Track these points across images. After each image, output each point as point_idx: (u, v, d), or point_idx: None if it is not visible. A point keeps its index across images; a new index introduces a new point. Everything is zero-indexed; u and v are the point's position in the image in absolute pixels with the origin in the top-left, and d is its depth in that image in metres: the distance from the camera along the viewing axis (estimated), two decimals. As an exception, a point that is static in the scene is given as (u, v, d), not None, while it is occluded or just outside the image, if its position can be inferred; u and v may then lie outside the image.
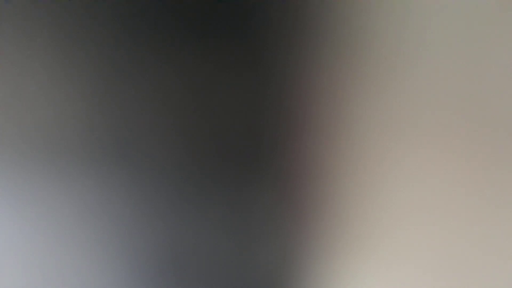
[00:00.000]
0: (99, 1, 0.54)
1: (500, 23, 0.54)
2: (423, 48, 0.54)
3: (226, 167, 0.55)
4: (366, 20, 0.55)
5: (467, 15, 0.54)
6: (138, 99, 0.55)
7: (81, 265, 0.54)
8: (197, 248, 0.55)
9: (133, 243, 0.55)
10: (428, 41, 0.54)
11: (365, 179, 0.55)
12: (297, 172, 0.55)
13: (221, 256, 0.55)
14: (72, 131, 0.54)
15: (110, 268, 0.54)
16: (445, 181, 0.54)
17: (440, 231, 0.54)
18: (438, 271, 0.55)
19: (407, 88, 0.55)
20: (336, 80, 0.55)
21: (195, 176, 0.55)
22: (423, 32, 0.54)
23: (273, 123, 0.55)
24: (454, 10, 0.54)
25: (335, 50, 0.55)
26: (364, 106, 0.55)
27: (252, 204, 0.55)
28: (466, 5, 0.54)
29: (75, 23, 0.54)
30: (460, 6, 0.54)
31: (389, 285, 0.55)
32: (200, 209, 0.55)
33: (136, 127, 0.54)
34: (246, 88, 0.55)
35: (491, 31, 0.54)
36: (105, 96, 0.54)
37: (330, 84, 0.55)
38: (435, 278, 0.55)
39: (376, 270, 0.55)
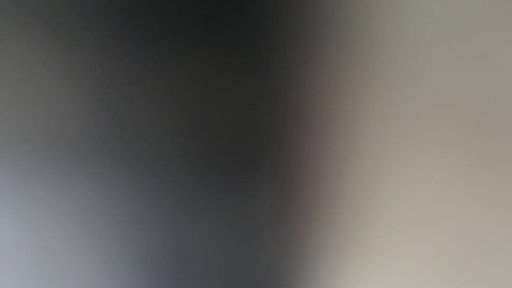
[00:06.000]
0: (99, 4, 0.54)
1: (500, 22, 0.54)
2: (423, 48, 0.55)
3: (228, 167, 0.55)
4: (366, 20, 0.55)
5: (466, 14, 0.54)
6: (140, 99, 0.55)
7: (83, 265, 0.54)
8: (198, 247, 0.55)
9: (134, 242, 0.55)
10: (428, 41, 0.54)
11: (366, 178, 0.55)
12: (298, 172, 0.55)
13: (222, 255, 0.55)
14: (74, 130, 0.54)
15: (111, 267, 0.54)
16: (445, 181, 0.54)
17: (441, 230, 0.55)
18: (438, 270, 0.55)
19: (407, 88, 0.55)
20: (337, 80, 0.55)
21: (197, 176, 0.55)
22: (423, 32, 0.55)
23: (274, 122, 0.55)
24: (454, 10, 0.54)
25: (336, 50, 0.55)
26: (365, 106, 0.55)
27: (253, 204, 0.55)
28: (466, 5, 0.54)
29: (77, 22, 0.54)
30: (459, 6, 0.54)
31: (390, 284, 0.55)
32: (201, 209, 0.55)
33: (139, 127, 0.54)
34: (246, 88, 0.55)
35: (490, 30, 0.54)
36: (107, 95, 0.54)
37: (331, 84, 0.55)
38: (436, 277, 0.55)
39: (376, 269, 0.55)
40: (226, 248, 0.55)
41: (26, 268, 0.54)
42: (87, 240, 0.54)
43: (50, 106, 0.54)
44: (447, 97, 0.54)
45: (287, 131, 0.55)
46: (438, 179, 0.54)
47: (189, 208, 0.55)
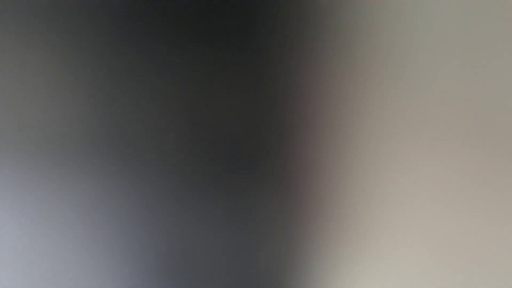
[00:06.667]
0: (99, 2, 0.54)
1: (500, 22, 0.54)
2: (424, 48, 0.55)
3: (227, 167, 0.55)
4: (366, 21, 0.55)
5: (467, 15, 0.54)
6: (139, 100, 0.55)
7: (81, 265, 0.54)
8: (198, 248, 0.55)
9: (134, 243, 0.55)
10: (429, 42, 0.55)
11: (367, 179, 0.55)
12: (298, 172, 0.55)
13: (222, 256, 0.55)
14: (73, 130, 0.54)
15: (110, 268, 0.54)
16: (445, 180, 0.54)
17: (441, 231, 0.55)
18: (438, 270, 0.55)
19: (408, 88, 0.55)
20: (337, 81, 0.55)
21: (197, 177, 0.55)
22: (424, 33, 0.55)
23: (274, 123, 0.55)
24: (454, 10, 0.54)
25: (336, 50, 0.55)
26: (366, 106, 0.55)
27: (253, 205, 0.55)
28: (466, 5, 0.54)
29: (76, 23, 0.54)
30: (460, 6, 0.54)
31: (390, 283, 0.55)
32: (201, 210, 0.55)
33: (138, 128, 0.54)
34: (247, 88, 0.55)
35: (491, 31, 0.54)
36: (106, 96, 0.54)
37: (331, 84, 0.55)
38: (436, 278, 0.55)
39: (377, 270, 0.55)
40: (227, 247, 0.55)
41: (28, 267, 0.54)
42: (84, 240, 0.54)
43: (49, 107, 0.54)
44: (447, 98, 0.55)
45: (289, 130, 0.55)
46: (438, 178, 0.55)
47: (187, 210, 0.55)
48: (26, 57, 0.54)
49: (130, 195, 0.54)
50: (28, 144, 0.54)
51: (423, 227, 0.55)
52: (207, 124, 0.55)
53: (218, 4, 0.54)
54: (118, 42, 0.54)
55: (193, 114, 0.55)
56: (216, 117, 0.55)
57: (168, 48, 0.54)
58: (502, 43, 0.54)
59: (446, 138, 0.54)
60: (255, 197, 0.55)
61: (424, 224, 0.55)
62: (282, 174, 0.55)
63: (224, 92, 0.55)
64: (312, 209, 0.55)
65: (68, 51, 0.54)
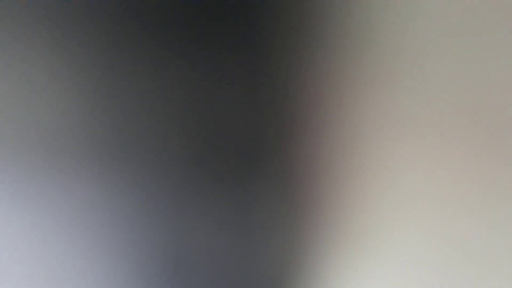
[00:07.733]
0: (99, 2, 0.54)
1: (501, 22, 0.54)
2: (423, 48, 0.55)
3: (227, 167, 0.55)
4: (366, 21, 0.55)
5: (467, 14, 0.54)
6: (138, 99, 0.55)
7: (80, 265, 0.54)
8: (198, 248, 0.55)
9: (133, 243, 0.55)
10: (428, 42, 0.55)
11: (366, 179, 0.55)
12: (297, 172, 0.55)
13: (222, 255, 0.55)
14: (72, 131, 0.54)
15: (109, 267, 0.54)
16: (446, 181, 0.55)
17: (440, 230, 0.55)
18: (437, 270, 0.55)
19: (407, 88, 0.55)
20: (336, 80, 0.55)
21: (196, 176, 0.55)
22: (423, 33, 0.55)
23: (273, 123, 0.55)
24: (455, 10, 0.54)
25: (336, 50, 0.55)
26: (365, 106, 0.55)
27: (253, 204, 0.55)
28: (466, 5, 0.54)
29: (74, 23, 0.54)
30: (461, 6, 0.54)
31: (390, 284, 0.55)
32: (200, 209, 0.55)
33: (137, 127, 0.54)
34: (247, 88, 0.55)
35: (490, 31, 0.54)
36: (105, 96, 0.54)
37: (331, 84, 0.55)
38: (435, 277, 0.55)
39: (376, 269, 0.55)
40: (223, 250, 0.55)
41: (24, 267, 0.54)
42: (83, 240, 0.54)
43: (48, 107, 0.54)
44: (447, 98, 0.55)
45: (286, 132, 0.55)
46: (439, 179, 0.55)
47: (187, 209, 0.55)
48: (27, 55, 0.54)
49: (131, 194, 0.54)
50: (28, 143, 0.54)
51: (423, 227, 0.55)
52: (209, 123, 0.55)
53: (220, 5, 0.54)
54: (120, 41, 0.54)
55: (195, 114, 0.55)
56: (218, 117, 0.55)
57: (171, 47, 0.54)
58: (502, 42, 0.54)
59: (446, 138, 0.54)
60: (256, 197, 0.55)
61: (424, 224, 0.55)
62: (283, 174, 0.55)
63: (226, 92, 0.55)
64: (312, 209, 0.55)
65: (70, 50, 0.54)
